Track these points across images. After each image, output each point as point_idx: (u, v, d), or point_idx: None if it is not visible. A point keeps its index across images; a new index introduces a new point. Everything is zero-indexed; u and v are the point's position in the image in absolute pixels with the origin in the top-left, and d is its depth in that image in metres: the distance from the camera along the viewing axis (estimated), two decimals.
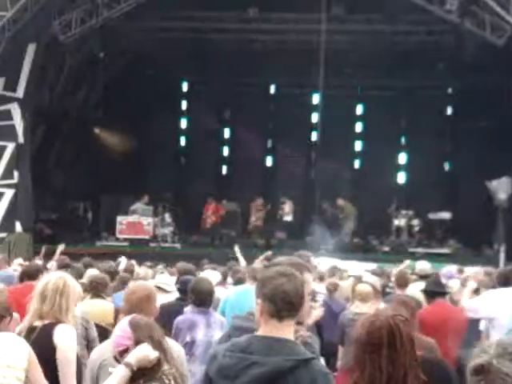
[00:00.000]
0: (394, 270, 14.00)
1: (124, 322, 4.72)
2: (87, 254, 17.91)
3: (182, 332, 7.77)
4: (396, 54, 27.72)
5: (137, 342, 4.56)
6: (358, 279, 10.85)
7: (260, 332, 3.97)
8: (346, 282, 13.64)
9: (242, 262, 15.65)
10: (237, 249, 16.88)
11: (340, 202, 28.10)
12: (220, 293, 10.75)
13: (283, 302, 3.90)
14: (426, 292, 9.25)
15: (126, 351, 4.58)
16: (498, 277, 8.96)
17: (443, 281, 10.96)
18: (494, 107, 26.75)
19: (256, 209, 28.83)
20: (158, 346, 4.58)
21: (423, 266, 12.78)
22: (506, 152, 24.42)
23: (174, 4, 26.25)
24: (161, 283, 9.95)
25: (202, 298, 8.07)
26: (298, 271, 4.19)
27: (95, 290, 9.39)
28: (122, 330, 4.66)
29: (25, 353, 4.68)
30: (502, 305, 8.28)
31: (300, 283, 3.97)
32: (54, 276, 5.79)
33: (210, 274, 11.32)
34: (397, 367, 3.47)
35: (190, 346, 7.78)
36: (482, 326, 9.00)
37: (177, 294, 9.64)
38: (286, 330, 3.92)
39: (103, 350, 5.40)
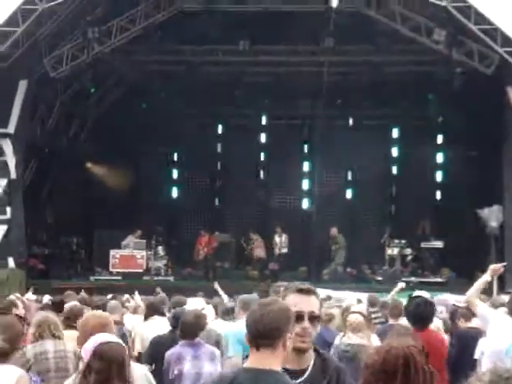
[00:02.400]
0: (387, 298, 14.01)
1: (96, 339, 4.84)
2: (81, 288, 17.86)
3: (171, 365, 7.81)
4: (386, 84, 27.86)
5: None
6: (347, 309, 10.86)
7: (247, 364, 3.99)
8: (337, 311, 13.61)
9: (225, 297, 15.70)
10: (216, 285, 17.02)
11: (333, 231, 28.09)
12: (219, 326, 10.81)
13: (258, 332, 3.90)
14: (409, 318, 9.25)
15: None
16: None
17: (439, 308, 10.97)
18: (484, 136, 26.89)
19: (255, 242, 28.71)
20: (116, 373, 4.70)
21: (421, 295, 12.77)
22: (497, 180, 24.53)
23: (165, 37, 26.43)
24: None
25: (188, 331, 8.13)
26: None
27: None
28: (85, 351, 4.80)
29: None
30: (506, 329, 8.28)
31: (279, 311, 3.94)
32: None
33: (196, 302, 11.38)
34: None
35: (178, 379, 7.82)
36: (477, 354, 8.98)
37: None
38: (270, 359, 3.90)
39: None
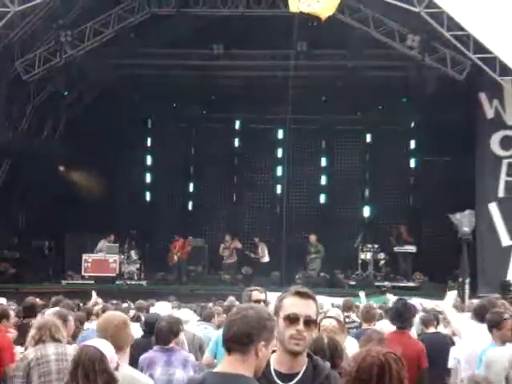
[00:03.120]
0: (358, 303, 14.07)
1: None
2: (53, 292, 17.74)
3: (143, 370, 7.79)
4: (360, 88, 27.97)
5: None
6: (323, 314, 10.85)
7: (216, 368, 3.98)
8: None
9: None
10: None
11: (312, 238, 28.09)
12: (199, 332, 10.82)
13: (229, 336, 3.90)
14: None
15: None
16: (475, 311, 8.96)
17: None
18: (456, 141, 27.04)
19: (226, 246, 28.67)
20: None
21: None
22: (469, 185, 24.68)
23: (138, 41, 26.37)
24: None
25: (160, 336, 8.13)
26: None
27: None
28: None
29: None
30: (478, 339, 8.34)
31: (254, 318, 3.91)
32: None
33: (186, 314, 11.33)
34: None
35: None
36: (451, 363, 9.02)
37: None
38: (240, 365, 3.87)
39: None
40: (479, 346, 8.04)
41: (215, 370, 3.99)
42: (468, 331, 8.66)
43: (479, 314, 8.62)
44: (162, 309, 11.70)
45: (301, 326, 4.34)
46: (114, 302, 17.04)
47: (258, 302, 7.36)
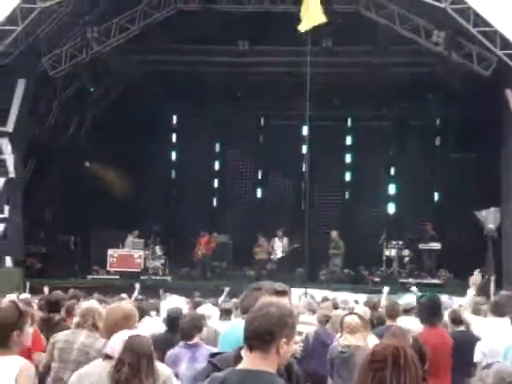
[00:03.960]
0: (380, 300, 14.05)
1: (121, 337, 5.01)
2: (78, 287, 17.84)
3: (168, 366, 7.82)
4: (385, 85, 27.90)
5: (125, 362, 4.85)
6: (349, 311, 10.89)
7: (239, 365, 4.00)
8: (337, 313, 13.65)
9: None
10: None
11: (334, 234, 28.06)
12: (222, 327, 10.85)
13: (250, 333, 3.91)
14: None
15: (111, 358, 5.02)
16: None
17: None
18: (482, 138, 26.91)
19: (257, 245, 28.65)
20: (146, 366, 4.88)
21: (409, 299, 12.84)
22: (494, 182, 24.56)
23: (164, 37, 26.47)
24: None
25: (185, 332, 8.20)
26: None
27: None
28: (112, 346, 5.05)
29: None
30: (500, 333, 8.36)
31: (275, 315, 3.92)
32: None
33: (209, 309, 11.38)
34: None
35: None
36: (477, 357, 9.01)
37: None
38: (262, 362, 3.89)
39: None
40: (503, 340, 8.05)
41: (237, 367, 4.00)
42: (489, 329, 8.68)
43: (497, 310, 8.66)
44: (174, 303, 11.70)
45: None
46: (140, 297, 17.16)
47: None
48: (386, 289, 15.76)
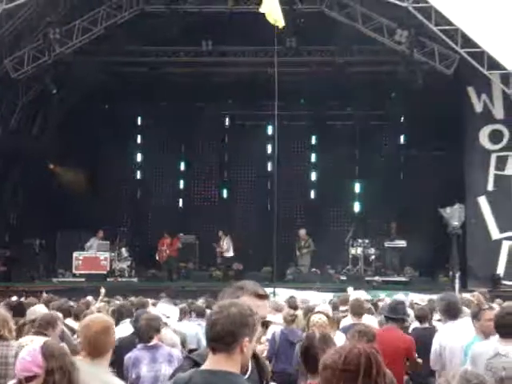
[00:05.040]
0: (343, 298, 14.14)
1: (35, 347, 4.61)
2: (44, 290, 17.76)
3: (129, 369, 7.83)
4: (349, 84, 28.00)
5: (47, 372, 4.47)
6: (312, 309, 10.93)
7: (203, 366, 4.00)
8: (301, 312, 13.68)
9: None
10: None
11: (302, 233, 28.12)
12: (186, 327, 10.82)
13: (213, 335, 3.91)
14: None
15: (33, 378, 4.48)
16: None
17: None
18: (445, 135, 27.14)
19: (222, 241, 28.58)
20: (67, 377, 4.49)
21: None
22: (458, 179, 24.76)
23: (127, 39, 26.35)
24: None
25: (143, 334, 8.19)
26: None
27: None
28: (31, 356, 4.55)
29: None
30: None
31: (237, 316, 3.92)
32: None
33: (165, 309, 11.33)
34: None
35: (135, 383, 7.84)
36: (434, 347, 9.09)
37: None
38: (225, 362, 3.90)
39: None
40: (462, 338, 8.17)
41: (201, 368, 4.00)
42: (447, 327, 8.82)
43: (447, 312, 8.81)
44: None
45: (260, 328, 4.37)
46: (106, 299, 17.04)
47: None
48: (350, 288, 15.88)
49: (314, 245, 27.82)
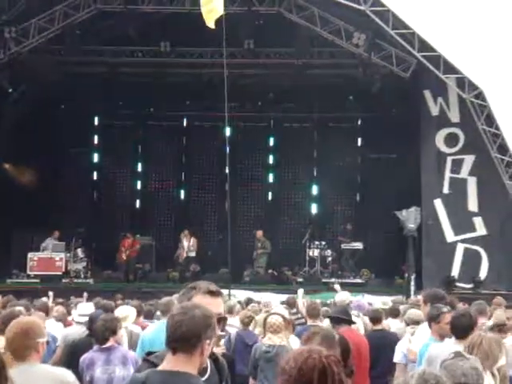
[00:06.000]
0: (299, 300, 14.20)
1: None
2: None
3: (84, 371, 7.77)
4: (307, 86, 28.08)
5: None
6: (268, 311, 10.94)
7: (160, 366, 3.98)
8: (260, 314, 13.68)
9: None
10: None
11: (259, 234, 28.13)
12: (137, 329, 10.72)
13: (177, 336, 3.91)
14: (331, 318, 9.39)
15: None
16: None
17: (354, 311, 11.15)
18: (402, 138, 27.33)
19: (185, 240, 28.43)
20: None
21: (342, 296, 13.01)
22: (414, 182, 24.95)
23: (84, 38, 26.16)
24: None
25: (98, 336, 8.14)
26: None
27: None
28: None
29: None
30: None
31: (201, 318, 3.95)
32: None
33: (125, 310, 11.23)
34: None
35: None
36: (397, 358, 9.13)
37: None
38: (184, 363, 3.90)
39: None
40: (418, 340, 8.22)
41: (158, 368, 3.99)
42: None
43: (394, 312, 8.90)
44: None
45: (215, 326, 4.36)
46: (61, 300, 16.89)
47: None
48: (300, 290, 15.96)
49: (270, 246, 27.86)
